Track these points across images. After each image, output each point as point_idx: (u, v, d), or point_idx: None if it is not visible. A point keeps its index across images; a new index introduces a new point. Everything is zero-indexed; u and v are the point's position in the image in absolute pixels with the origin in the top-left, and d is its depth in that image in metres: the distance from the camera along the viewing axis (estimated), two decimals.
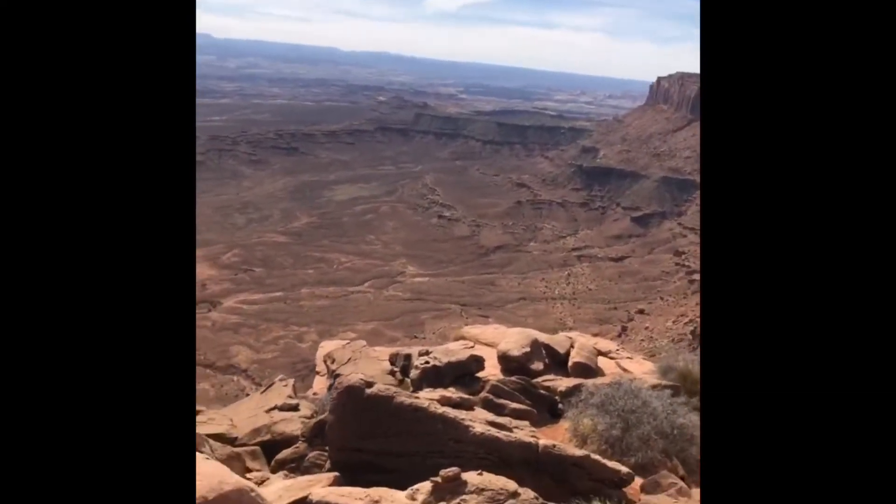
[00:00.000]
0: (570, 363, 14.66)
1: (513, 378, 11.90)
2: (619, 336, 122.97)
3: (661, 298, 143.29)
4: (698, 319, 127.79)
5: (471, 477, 6.31)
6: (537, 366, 14.07)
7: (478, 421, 7.59)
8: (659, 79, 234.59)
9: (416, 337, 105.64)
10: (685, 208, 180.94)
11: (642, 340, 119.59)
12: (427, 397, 8.51)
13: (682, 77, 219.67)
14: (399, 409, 7.58)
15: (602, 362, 15.58)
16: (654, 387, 11.91)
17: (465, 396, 9.41)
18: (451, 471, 6.27)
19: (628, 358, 16.93)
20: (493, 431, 7.36)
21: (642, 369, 15.20)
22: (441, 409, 7.49)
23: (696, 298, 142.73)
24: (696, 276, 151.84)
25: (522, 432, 7.96)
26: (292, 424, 10.89)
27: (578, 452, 7.43)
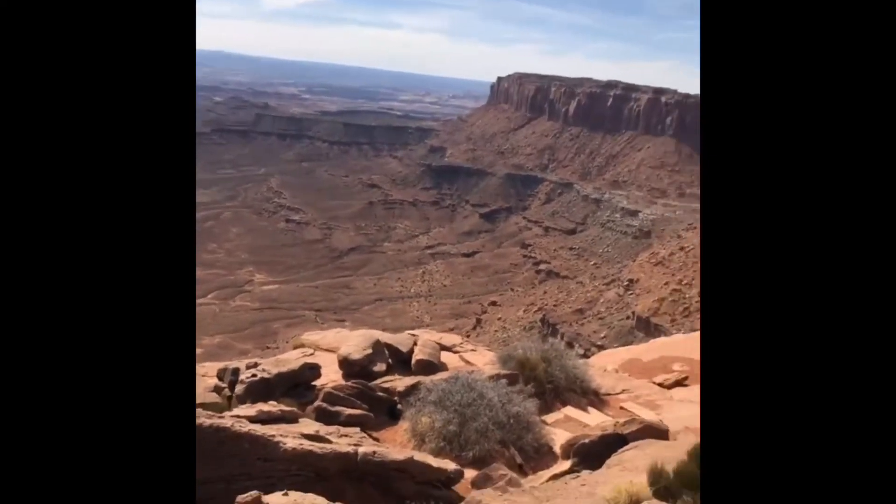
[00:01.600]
0: (413, 361, 14.44)
1: (349, 383, 11.41)
2: (474, 328, 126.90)
3: (512, 289, 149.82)
4: (547, 307, 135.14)
5: (274, 499, 5.74)
6: (380, 367, 13.68)
7: (291, 435, 7.00)
8: (499, 79, 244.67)
9: (269, 347, 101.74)
10: (529, 203, 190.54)
11: (496, 331, 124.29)
12: (238, 414, 7.76)
13: (520, 77, 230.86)
14: (197, 433, 6.78)
15: (446, 357, 15.52)
16: (491, 377, 11.95)
17: (287, 410, 8.80)
18: (249, 496, 5.66)
19: (472, 350, 17.05)
20: (307, 445, 6.81)
21: (484, 360, 15.34)
22: (247, 428, 6.79)
23: (544, 287, 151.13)
24: (543, 267, 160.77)
25: (343, 441, 7.50)
26: None
27: (401, 456, 7.11)
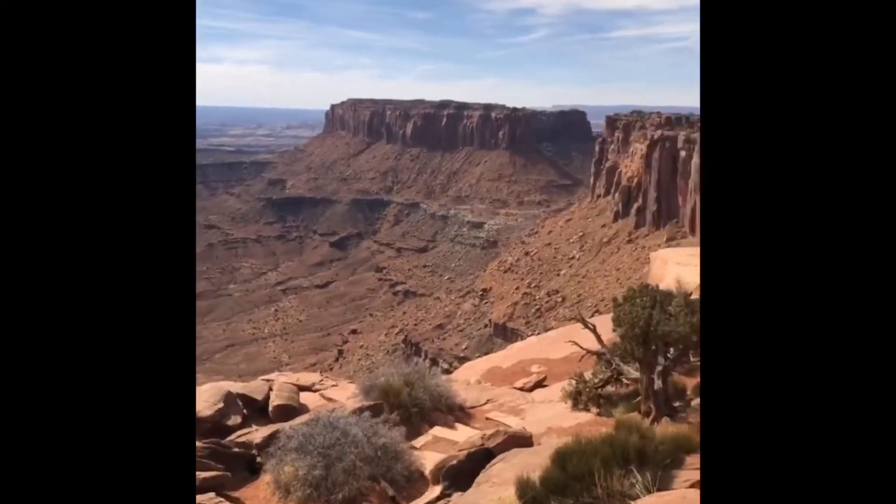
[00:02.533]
0: (270, 408, 13.63)
1: (200, 444, 10.44)
2: (337, 360, 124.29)
3: (371, 315, 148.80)
4: (408, 328, 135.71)
5: None
6: (234, 420, 12.75)
7: None
8: (332, 106, 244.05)
9: None
10: (378, 226, 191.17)
11: (359, 359, 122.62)
12: None
13: (354, 103, 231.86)
14: None
15: (306, 398, 14.83)
16: (354, 412, 11.54)
17: None
18: None
19: (333, 386, 16.46)
20: None
21: (347, 394, 14.84)
22: None
23: (403, 308, 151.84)
24: (399, 288, 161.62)
25: None
26: None
27: None
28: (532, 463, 6.68)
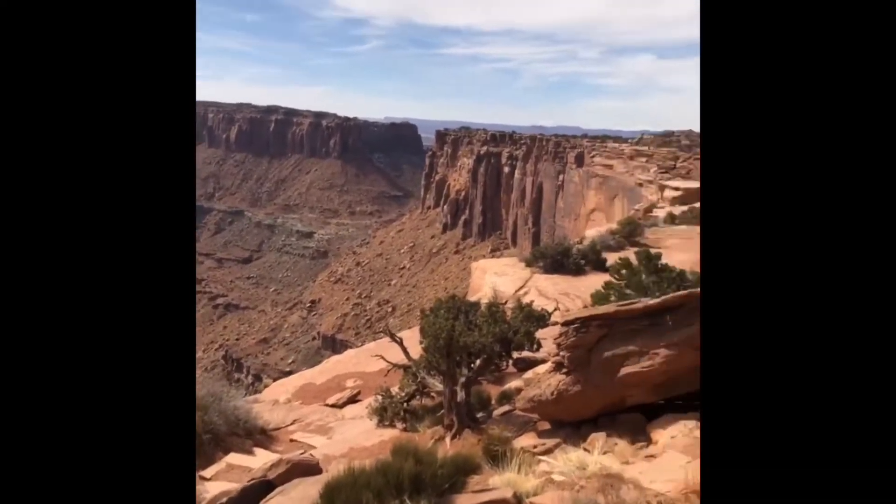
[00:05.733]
0: None
1: None
2: None
3: None
4: (229, 343, 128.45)
5: None
6: None
7: None
8: None
9: None
10: (198, 235, 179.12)
11: None
12: None
13: None
14: None
15: None
16: None
17: None
18: None
19: None
20: None
21: None
22: None
23: (224, 322, 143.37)
24: (220, 301, 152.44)
25: None
26: None
27: None
28: (311, 496, 6.01)
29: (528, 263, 26.14)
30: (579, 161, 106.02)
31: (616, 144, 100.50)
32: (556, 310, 13.96)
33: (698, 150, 77.25)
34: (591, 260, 24.48)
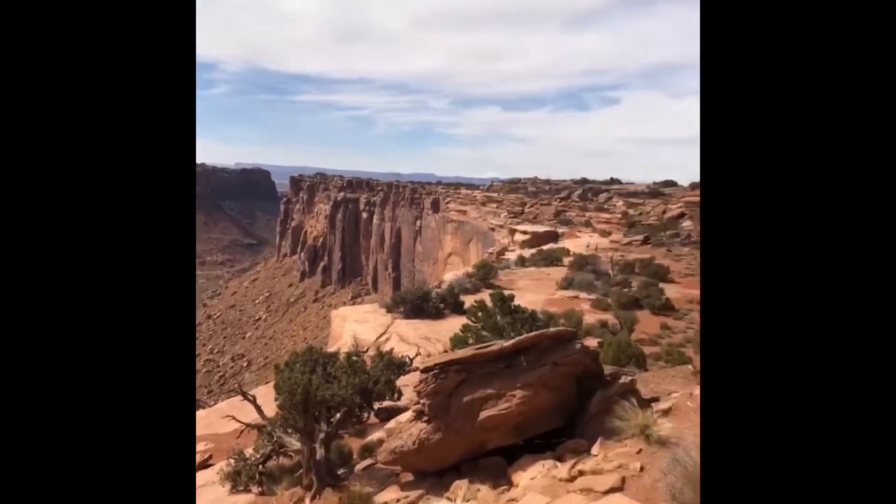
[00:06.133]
0: None
1: None
2: None
3: None
4: None
5: None
6: None
7: None
8: None
9: None
10: None
11: None
12: None
13: None
14: None
15: None
16: None
17: None
18: None
19: None
20: None
21: None
22: None
23: None
24: None
25: None
26: None
27: None
28: None
29: (389, 309, 26.09)
30: (435, 207, 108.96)
31: (469, 191, 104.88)
32: (417, 355, 13.92)
33: (544, 196, 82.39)
34: (449, 303, 24.95)
